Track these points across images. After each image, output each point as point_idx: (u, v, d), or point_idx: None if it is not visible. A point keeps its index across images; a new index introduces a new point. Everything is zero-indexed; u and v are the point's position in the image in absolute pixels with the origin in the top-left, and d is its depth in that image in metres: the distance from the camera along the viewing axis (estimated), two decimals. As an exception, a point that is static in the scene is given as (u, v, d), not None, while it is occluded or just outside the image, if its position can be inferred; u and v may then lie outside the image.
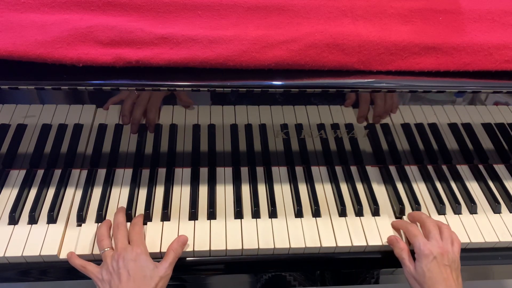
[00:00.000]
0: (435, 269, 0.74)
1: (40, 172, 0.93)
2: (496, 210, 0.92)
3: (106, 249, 0.77)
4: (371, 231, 0.85)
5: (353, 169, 0.98)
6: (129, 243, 0.78)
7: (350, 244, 0.83)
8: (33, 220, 0.84)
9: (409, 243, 0.82)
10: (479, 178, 0.98)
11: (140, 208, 0.87)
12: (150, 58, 0.70)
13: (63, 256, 0.79)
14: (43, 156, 0.92)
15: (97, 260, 0.80)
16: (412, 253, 0.79)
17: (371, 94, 0.83)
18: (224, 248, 0.81)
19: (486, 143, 0.98)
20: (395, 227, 0.86)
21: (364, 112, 0.87)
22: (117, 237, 0.78)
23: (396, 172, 0.99)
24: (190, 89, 0.77)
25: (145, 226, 0.84)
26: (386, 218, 0.88)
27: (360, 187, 0.94)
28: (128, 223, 0.83)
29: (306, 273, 1.02)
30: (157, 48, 0.70)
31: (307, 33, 0.73)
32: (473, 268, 0.90)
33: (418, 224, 0.84)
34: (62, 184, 0.90)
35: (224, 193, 0.91)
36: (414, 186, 0.96)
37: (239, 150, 0.94)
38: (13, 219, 0.84)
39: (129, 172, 0.94)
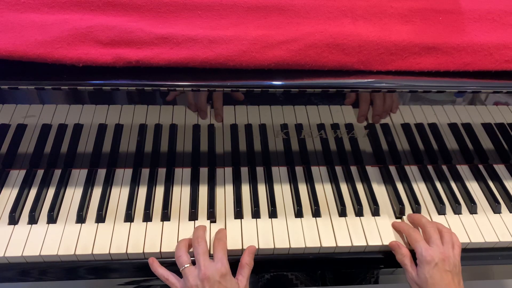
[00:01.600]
0: (436, 276, 0.74)
1: (40, 172, 0.93)
2: (496, 210, 0.92)
3: (186, 266, 0.75)
4: (371, 231, 0.85)
5: (353, 169, 0.98)
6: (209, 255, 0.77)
7: (350, 244, 0.83)
8: (33, 220, 0.84)
9: (409, 244, 0.82)
10: (479, 178, 0.98)
11: (140, 208, 0.87)
12: (150, 58, 0.70)
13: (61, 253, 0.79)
14: (43, 156, 0.92)
15: (97, 260, 0.80)
16: (413, 255, 0.79)
17: (371, 93, 0.83)
18: (224, 248, 0.81)
19: (486, 143, 0.98)
20: (396, 229, 0.86)
21: (365, 112, 0.87)
22: (198, 253, 0.75)
23: (396, 172, 0.99)
24: (190, 89, 0.77)
25: (145, 226, 0.84)
26: (386, 218, 0.88)
27: (360, 187, 0.94)
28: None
29: (307, 272, 1.02)
30: (157, 48, 0.70)
31: (307, 33, 0.73)
32: (473, 268, 0.90)
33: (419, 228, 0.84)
34: (62, 184, 0.90)
35: (224, 193, 0.91)
36: (414, 186, 0.96)
37: (239, 150, 0.94)
38: (13, 219, 0.84)
39: (129, 172, 0.94)
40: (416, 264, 0.78)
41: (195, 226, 0.83)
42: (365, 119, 0.89)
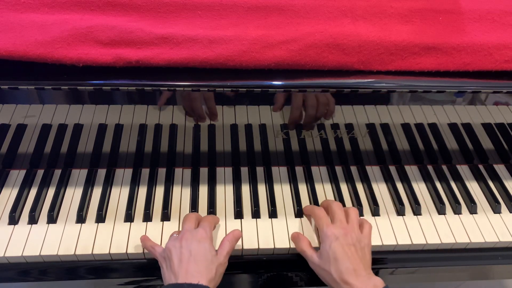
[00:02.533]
0: (338, 249, 0.73)
1: (40, 172, 0.93)
2: (496, 210, 0.92)
3: (174, 235, 0.78)
4: (371, 231, 0.85)
5: (353, 169, 0.98)
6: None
7: (350, 244, 0.83)
8: (33, 220, 0.84)
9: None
10: (479, 178, 0.98)
11: (140, 208, 0.87)
12: (150, 58, 0.70)
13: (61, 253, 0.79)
14: (43, 156, 0.92)
15: (97, 260, 0.80)
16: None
17: (304, 97, 0.82)
18: (224, 248, 0.81)
19: (486, 143, 0.98)
20: (305, 213, 0.87)
21: (297, 116, 0.86)
22: (185, 220, 0.79)
23: (396, 172, 0.98)
24: (190, 89, 0.77)
25: (145, 226, 0.84)
26: (386, 218, 0.88)
27: (360, 187, 0.94)
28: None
29: (308, 272, 1.02)
30: (157, 48, 0.70)
31: (307, 33, 0.73)
32: (473, 268, 0.90)
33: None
34: (62, 184, 0.90)
35: (224, 193, 0.91)
36: (414, 186, 0.95)
37: (239, 150, 0.94)
38: (13, 219, 0.84)
39: (129, 172, 0.94)
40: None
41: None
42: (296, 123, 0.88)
